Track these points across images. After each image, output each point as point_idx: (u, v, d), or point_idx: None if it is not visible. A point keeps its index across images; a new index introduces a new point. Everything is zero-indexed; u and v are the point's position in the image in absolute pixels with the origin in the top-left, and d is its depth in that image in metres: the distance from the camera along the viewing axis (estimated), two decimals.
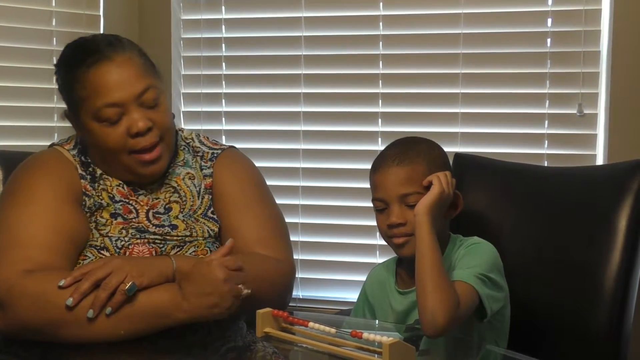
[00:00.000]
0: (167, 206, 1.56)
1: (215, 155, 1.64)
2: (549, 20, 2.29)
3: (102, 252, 1.47)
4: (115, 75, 1.45)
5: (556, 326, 1.56)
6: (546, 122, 2.31)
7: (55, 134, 2.43)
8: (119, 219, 1.51)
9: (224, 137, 2.58)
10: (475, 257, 1.56)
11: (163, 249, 1.51)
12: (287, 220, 1.69)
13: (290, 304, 1.58)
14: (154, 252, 1.49)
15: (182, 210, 1.56)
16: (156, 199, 1.56)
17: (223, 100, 2.59)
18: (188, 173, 1.60)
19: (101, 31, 2.54)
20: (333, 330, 1.29)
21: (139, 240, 1.49)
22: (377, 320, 1.71)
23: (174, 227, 1.53)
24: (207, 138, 1.69)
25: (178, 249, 1.52)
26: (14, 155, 1.85)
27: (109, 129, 1.46)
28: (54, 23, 2.46)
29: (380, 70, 2.44)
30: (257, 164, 1.74)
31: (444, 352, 1.49)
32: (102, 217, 1.50)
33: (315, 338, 1.31)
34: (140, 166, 1.50)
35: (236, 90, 2.59)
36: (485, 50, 2.34)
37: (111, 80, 1.45)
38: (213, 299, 1.29)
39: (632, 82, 2.18)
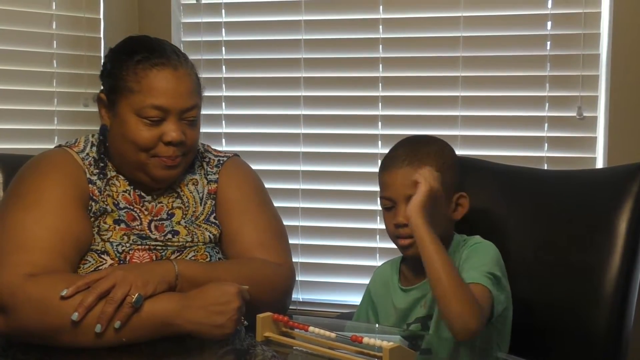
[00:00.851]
0: (170, 212, 1.57)
1: (221, 162, 1.66)
2: (549, 23, 2.29)
3: (102, 256, 1.47)
4: (173, 84, 1.49)
5: (556, 328, 1.56)
6: (546, 124, 2.31)
7: (55, 137, 2.43)
8: (122, 225, 1.51)
9: (223, 140, 2.58)
10: (480, 257, 1.56)
11: (163, 254, 1.51)
12: (287, 223, 1.70)
13: (290, 307, 1.58)
14: (154, 257, 1.50)
15: (184, 216, 1.57)
16: (160, 203, 1.57)
17: (223, 103, 2.60)
18: (192, 179, 1.62)
19: (101, 34, 2.55)
20: (333, 334, 1.29)
21: (139, 247, 1.49)
22: (377, 325, 1.71)
23: (176, 232, 1.53)
24: (210, 146, 1.72)
25: (178, 253, 1.52)
26: (14, 158, 1.85)
27: (145, 127, 1.49)
28: (54, 26, 2.46)
29: (380, 73, 2.44)
30: (257, 166, 1.75)
31: (446, 353, 1.49)
32: (105, 222, 1.50)
33: (316, 342, 1.31)
34: (158, 168, 1.51)
35: (236, 93, 2.59)
36: (484, 53, 2.35)
37: (169, 87, 1.49)
38: (220, 320, 1.30)
39: (632, 84, 2.18)
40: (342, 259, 2.49)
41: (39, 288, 1.31)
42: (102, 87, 1.57)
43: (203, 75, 1.61)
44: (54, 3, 2.46)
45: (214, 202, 1.61)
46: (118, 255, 1.47)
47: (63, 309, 1.27)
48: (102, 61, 1.59)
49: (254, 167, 1.72)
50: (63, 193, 1.47)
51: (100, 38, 2.56)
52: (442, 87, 2.38)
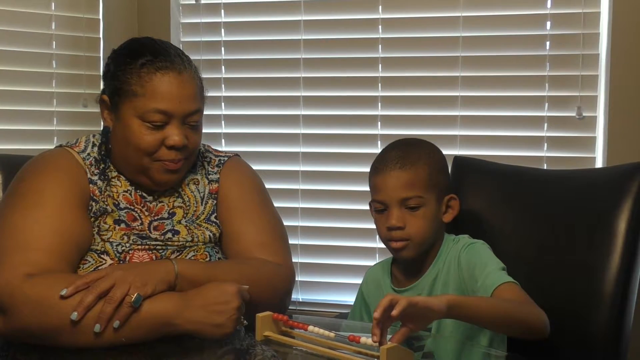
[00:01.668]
0: (171, 211, 1.57)
1: (222, 161, 1.66)
2: (548, 23, 2.29)
3: (102, 256, 1.47)
4: (177, 88, 1.49)
5: (556, 328, 1.56)
6: (545, 124, 2.31)
7: (55, 137, 2.43)
8: (122, 225, 1.51)
9: (223, 140, 2.58)
10: (483, 258, 1.56)
11: (163, 254, 1.51)
12: (287, 223, 1.69)
13: (289, 307, 1.58)
14: (154, 257, 1.50)
15: (185, 215, 1.57)
16: (161, 202, 1.57)
17: (222, 104, 2.60)
18: (193, 179, 1.62)
19: (100, 35, 2.55)
20: (332, 334, 1.29)
21: (139, 246, 1.49)
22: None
23: (176, 232, 1.53)
24: (210, 146, 1.72)
25: (178, 253, 1.52)
26: (14, 159, 1.85)
27: (148, 132, 1.48)
28: (53, 27, 2.46)
29: (380, 73, 2.44)
30: (257, 167, 1.75)
31: (449, 355, 1.49)
32: (105, 222, 1.50)
33: (315, 342, 1.31)
34: (160, 172, 1.51)
35: (235, 93, 2.59)
36: (484, 53, 2.35)
37: (173, 91, 1.48)
38: (220, 319, 1.31)
39: (631, 84, 2.18)
40: (341, 259, 2.49)
41: (38, 288, 1.31)
42: (102, 88, 1.57)
43: (202, 75, 1.61)
44: (53, 4, 2.46)
45: (215, 201, 1.61)
46: (118, 255, 1.47)
47: (62, 309, 1.27)
48: (105, 62, 1.58)
49: (254, 167, 1.72)
50: (64, 193, 1.47)
51: (99, 39, 2.55)
52: (441, 87, 2.38)
